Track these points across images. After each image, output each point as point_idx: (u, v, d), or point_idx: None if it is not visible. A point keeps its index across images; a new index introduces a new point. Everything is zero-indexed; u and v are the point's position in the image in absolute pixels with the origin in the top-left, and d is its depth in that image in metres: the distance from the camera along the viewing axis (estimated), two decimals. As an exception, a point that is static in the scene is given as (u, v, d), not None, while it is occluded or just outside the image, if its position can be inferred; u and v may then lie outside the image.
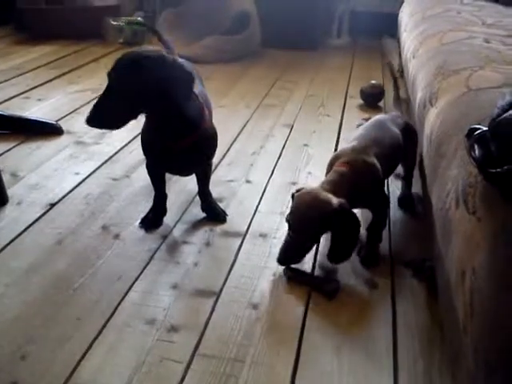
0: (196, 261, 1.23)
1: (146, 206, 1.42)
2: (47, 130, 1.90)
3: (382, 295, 1.13)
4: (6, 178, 1.49)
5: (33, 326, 1.02)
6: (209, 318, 1.06)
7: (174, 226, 1.37)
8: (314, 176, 1.63)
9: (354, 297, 1.13)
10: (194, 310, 1.08)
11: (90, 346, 0.98)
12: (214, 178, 1.53)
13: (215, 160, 1.40)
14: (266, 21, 3.05)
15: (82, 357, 0.96)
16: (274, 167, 1.70)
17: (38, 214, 1.40)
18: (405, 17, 2.18)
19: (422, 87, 1.34)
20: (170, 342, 0.99)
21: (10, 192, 1.47)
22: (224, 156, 1.77)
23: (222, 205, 1.45)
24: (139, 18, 3.24)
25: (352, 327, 1.04)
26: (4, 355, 0.96)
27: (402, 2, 2.48)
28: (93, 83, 2.43)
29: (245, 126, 2.04)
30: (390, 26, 2.89)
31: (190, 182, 1.51)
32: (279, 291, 1.14)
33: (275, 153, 1.81)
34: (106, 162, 1.70)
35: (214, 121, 1.30)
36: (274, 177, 1.64)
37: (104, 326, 1.03)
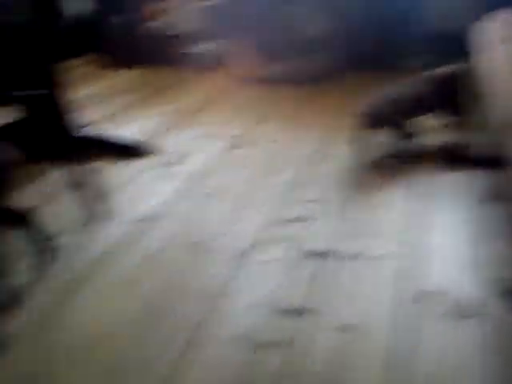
0: (280, 281, 1.24)
1: (230, 225, 1.46)
2: (136, 151, 1.99)
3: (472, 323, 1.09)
4: (99, 196, 1.58)
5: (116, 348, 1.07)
6: (293, 336, 1.06)
7: (259, 246, 1.39)
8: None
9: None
10: (276, 328, 1.09)
11: (178, 364, 1.01)
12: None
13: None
14: (348, 41, 3.04)
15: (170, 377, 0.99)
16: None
17: (127, 230, 1.47)
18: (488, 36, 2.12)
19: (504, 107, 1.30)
20: (259, 360, 1.01)
21: (101, 208, 1.56)
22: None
23: (304, 224, 1.46)
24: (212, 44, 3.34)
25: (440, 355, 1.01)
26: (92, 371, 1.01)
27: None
28: (175, 106, 2.54)
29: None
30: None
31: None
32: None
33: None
34: (191, 180, 1.77)
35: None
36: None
37: (190, 345, 1.06)
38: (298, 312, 1.13)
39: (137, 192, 1.69)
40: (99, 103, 2.61)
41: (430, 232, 1.41)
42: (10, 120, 2.05)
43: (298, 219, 1.50)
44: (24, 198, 1.66)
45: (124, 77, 3.12)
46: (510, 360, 0.99)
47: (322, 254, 1.33)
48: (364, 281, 1.23)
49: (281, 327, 1.09)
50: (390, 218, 1.49)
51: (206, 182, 1.75)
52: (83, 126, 2.08)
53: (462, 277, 1.22)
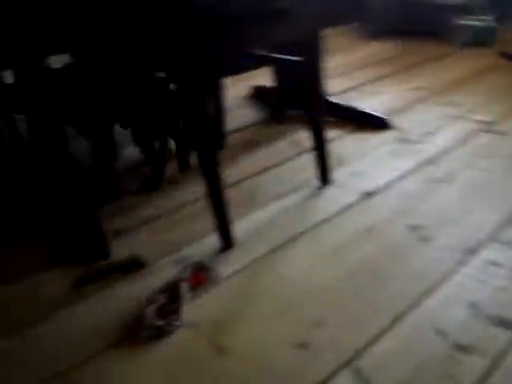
0: (503, 285, 1.13)
1: (461, 215, 1.36)
2: (376, 123, 1.99)
3: None
4: (333, 162, 1.63)
5: (326, 302, 1.12)
6: (503, 351, 0.96)
7: (487, 244, 1.27)
8: None
9: None
10: (489, 336, 1.00)
11: (380, 335, 1.01)
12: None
13: None
14: None
15: (369, 343, 1.00)
16: None
17: (354, 200, 1.49)
18: None
19: None
20: (456, 362, 0.95)
21: (333, 175, 1.61)
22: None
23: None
24: (487, 18, 3.06)
25: None
26: (301, 319, 1.07)
27: None
28: (427, 82, 2.43)
29: None
30: None
31: None
32: None
33: None
34: (427, 161, 1.70)
35: None
36: None
37: (396, 320, 1.05)
38: (518, 325, 1.02)
39: (370, 165, 1.70)
40: (348, 74, 2.66)
41: None
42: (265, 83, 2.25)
43: (541, 224, 1.33)
44: (266, 155, 1.82)
45: (381, 48, 3.10)
46: None
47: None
48: None
49: (491, 336, 1.00)
50: None
51: (442, 165, 1.66)
52: (331, 94, 2.15)
53: None
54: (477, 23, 3.02)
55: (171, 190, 1.61)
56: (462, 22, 3.06)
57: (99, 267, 1.26)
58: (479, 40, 2.96)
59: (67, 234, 1.39)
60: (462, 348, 0.98)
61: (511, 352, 0.96)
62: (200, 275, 1.20)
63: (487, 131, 1.88)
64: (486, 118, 1.99)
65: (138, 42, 1.25)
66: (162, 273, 1.22)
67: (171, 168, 1.71)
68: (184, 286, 1.15)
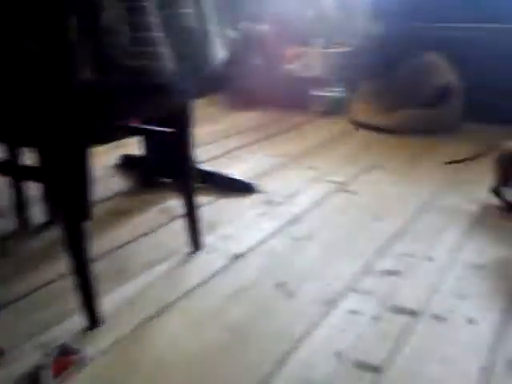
0: (364, 332, 1.21)
1: (323, 270, 1.46)
2: (243, 188, 2.09)
3: None
4: (204, 227, 1.67)
5: (194, 373, 1.11)
6: (369, 394, 1.03)
7: (347, 294, 1.37)
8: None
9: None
10: (355, 381, 1.06)
11: (251, 396, 1.03)
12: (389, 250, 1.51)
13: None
14: (469, 93, 2.94)
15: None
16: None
17: (224, 263, 1.53)
18: None
19: None
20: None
21: (205, 240, 1.64)
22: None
23: (396, 279, 1.42)
24: (339, 89, 3.40)
25: None
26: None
27: None
28: (289, 148, 2.61)
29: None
30: None
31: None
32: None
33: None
34: (291, 221, 1.80)
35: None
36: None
37: (268, 378, 1.07)
38: (377, 368, 1.09)
39: (239, 228, 1.76)
40: (216, 142, 2.78)
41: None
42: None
43: (392, 272, 1.46)
44: (136, 224, 1.81)
45: (248, 117, 3.29)
46: None
47: (411, 312, 1.28)
48: (453, 344, 1.16)
49: (357, 381, 1.06)
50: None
51: (305, 225, 1.78)
52: (200, 162, 2.23)
53: None
54: (330, 94, 3.35)
55: (35, 265, 1.52)
56: (318, 93, 3.38)
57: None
58: (333, 109, 3.28)
59: None
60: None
61: (373, 394, 1.03)
62: (65, 359, 1.13)
63: (342, 191, 2.07)
64: (341, 179, 2.18)
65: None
66: (24, 360, 1.13)
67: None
68: (45, 374, 1.07)
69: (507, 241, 1.64)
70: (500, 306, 1.30)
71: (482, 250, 1.59)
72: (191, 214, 1.59)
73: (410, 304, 1.32)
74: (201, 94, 3.46)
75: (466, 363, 1.10)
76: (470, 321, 1.25)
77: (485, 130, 2.89)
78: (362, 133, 2.90)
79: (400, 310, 1.29)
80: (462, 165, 2.35)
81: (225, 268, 1.51)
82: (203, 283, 1.43)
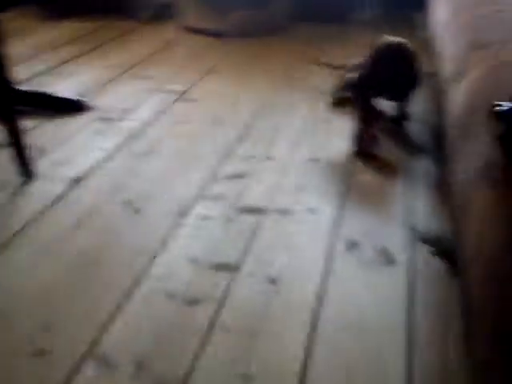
0: (217, 235, 1.24)
1: (170, 181, 1.43)
2: (73, 106, 1.92)
3: (399, 271, 1.12)
4: (34, 154, 1.52)
5: (56, 298, 1.05)
6: (227, 292, 1.07)
7: (198, 202, 1.37)
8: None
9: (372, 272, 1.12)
10: (212, 283, 1.09)
11: (113, 318, 1.00)
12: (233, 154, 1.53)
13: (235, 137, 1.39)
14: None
15: (105, 328, 0.98)
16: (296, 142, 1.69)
17: (62, 190, 1.42)
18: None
19: (451, 60, 1.30)
20: (190, 315, 1.01)
21: (36, 168, 1.50)
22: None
23: (242, 181, 1.46)
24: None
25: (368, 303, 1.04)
26: (28, 326, 0.99)
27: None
28: (120, 59, 2.43)
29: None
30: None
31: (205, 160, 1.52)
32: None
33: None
34: (131, 137, 1.72)
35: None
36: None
37: (126, 299, 1.05)
38: (233, 267, 1.14)
39: (73, 150, 1.64)
40: (36, 58, 2.48)
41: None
42: None
43: (238, 175, 1.49)
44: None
45: (67, 28, 2.97)
46: (432, 308, 1.03)
47: (259, 210, 1.33)
48: (299, 234, 1.25)
49: (215, 282, 1.10)
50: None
51: (146, 139, 1.71)
52: (20, 82, 1.98)
53: (389, 227, 1.25)
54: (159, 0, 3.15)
55: None
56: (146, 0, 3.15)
57: None
58: (161, 15, 3.10)
59: None
60: (191, 302, 1.04)
61: (233, 291, 1.07)
62: None
63: (181, 100, 2.01)
64: (178, 88, 2.11)
65: None
66: None
67: None
68: None
69: (340, 135, 1.76)
70: (336, 195, 1.41)
71: (317, 145, 1.69)
72: (17, 142, 1.43)
73: (258, 203, 1.37)
74: (4, 4, 3.02)
75: (312, 249, 1.20)
76: (312, 211, 1.34)
77: (314, 29, 2.98)
78: (195, 38, 2.81)
79: (249, 210, 1.34)
80: (299, 66, 2.41)
81: (64, 194, 1.40)
82: (42, 213, 1.32)
